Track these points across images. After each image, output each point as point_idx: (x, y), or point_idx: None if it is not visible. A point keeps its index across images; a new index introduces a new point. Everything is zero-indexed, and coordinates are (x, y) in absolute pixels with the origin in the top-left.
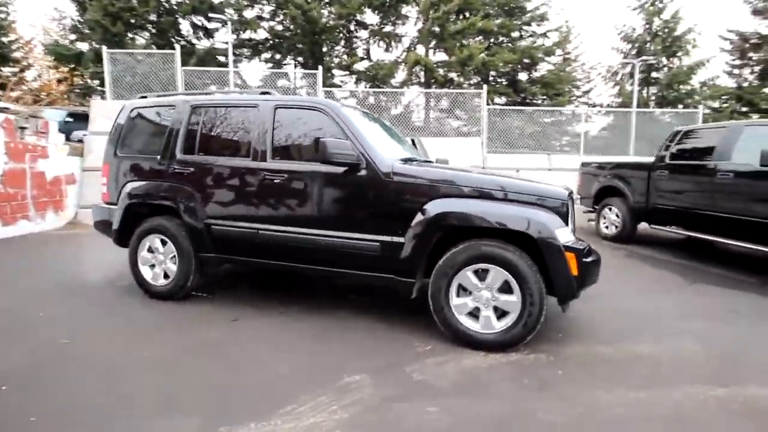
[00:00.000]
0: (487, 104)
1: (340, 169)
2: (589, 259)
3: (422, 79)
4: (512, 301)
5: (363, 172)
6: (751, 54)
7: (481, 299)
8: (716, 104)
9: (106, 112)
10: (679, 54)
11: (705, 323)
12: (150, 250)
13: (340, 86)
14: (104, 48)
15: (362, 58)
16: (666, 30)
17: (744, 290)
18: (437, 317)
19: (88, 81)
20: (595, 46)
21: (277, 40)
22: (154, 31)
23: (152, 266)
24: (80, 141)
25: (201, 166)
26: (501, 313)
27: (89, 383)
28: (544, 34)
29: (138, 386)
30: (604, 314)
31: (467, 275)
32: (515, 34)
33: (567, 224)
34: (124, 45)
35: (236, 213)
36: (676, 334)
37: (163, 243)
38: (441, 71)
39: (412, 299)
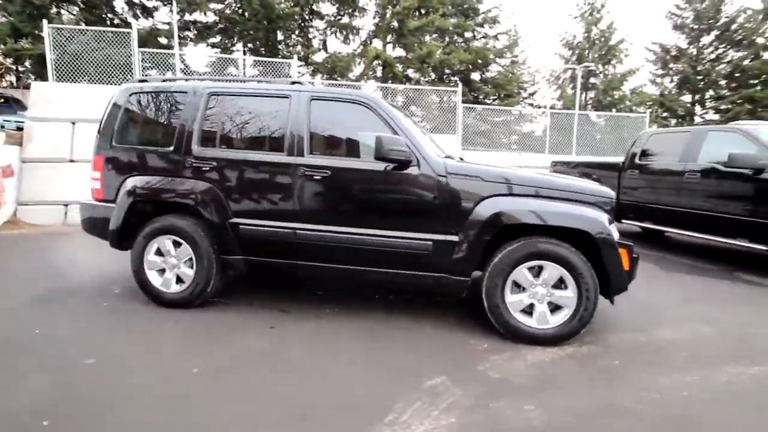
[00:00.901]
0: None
1: (388, 166)
2: (635, 255)
3: (378, 74)
4: (567, 296)
5: (415, 170)
6: (671, 65)
7: (536, 295)
8: (642, 110)
9: (49, 96)
10: (613, 62)
11: (703, 307)
12: (159, 253)
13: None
14: (45, 23)
15: (319, 49)
16: (602, 39)
17: (713, 277)
18: (492, 314)
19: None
20: (540, 51)
21: (228, 25)
22: (83, 5)
23: (161, 271)
24: (19, 129)
25: (225, 160)
26: (553, 308)
27: (147, 411)
28: (495, 37)
29: (210, 409)
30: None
31: (523, 272)
32: (468, 35)
33: (613, 222)
34: (49, 20)
35: (269, 211)
36: (687, 319)
37: (176, 245)
38: (399, 67)
39: (440, 298)
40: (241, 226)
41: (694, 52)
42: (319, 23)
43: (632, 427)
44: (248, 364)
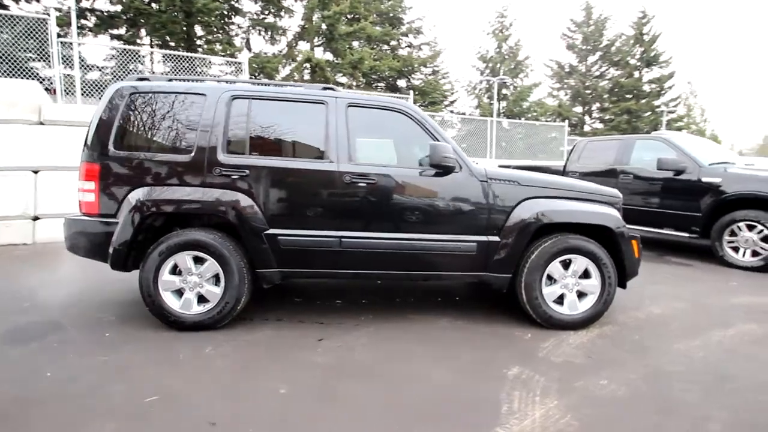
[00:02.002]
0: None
1: (428, 171)
2: (641, 245)
3: (305, 77)
4: (593, 284)
5: (459, 176)
6: (566, 80)
7: (567, 286)
8: (543, 119)
9: None
10: (521, 76)
11: (665, 287)
12: (176, 271)
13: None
14: None
15: (241, 48)
16: (511, 54)
17: (653, 262)
18: (530, 306)
19: None
20: (459, 63)
21: (135, 16)
22: None
23: (177, 292)
24: None
25: (260, 168)
26: (579, 296)
27: None
28: (419, 47)
29: (336, 427)
30: None
31: (556, 266)
32: (394, 44)
33: None
34: None
35: (312, 220)
36: (660, 297)
37: (197, 261)
38: (328, 71)
39: (458, 298)
40: (280, 237)
41: (583, 69)
42: (241, 20)
43: (688, 385)
44: (331, 378)
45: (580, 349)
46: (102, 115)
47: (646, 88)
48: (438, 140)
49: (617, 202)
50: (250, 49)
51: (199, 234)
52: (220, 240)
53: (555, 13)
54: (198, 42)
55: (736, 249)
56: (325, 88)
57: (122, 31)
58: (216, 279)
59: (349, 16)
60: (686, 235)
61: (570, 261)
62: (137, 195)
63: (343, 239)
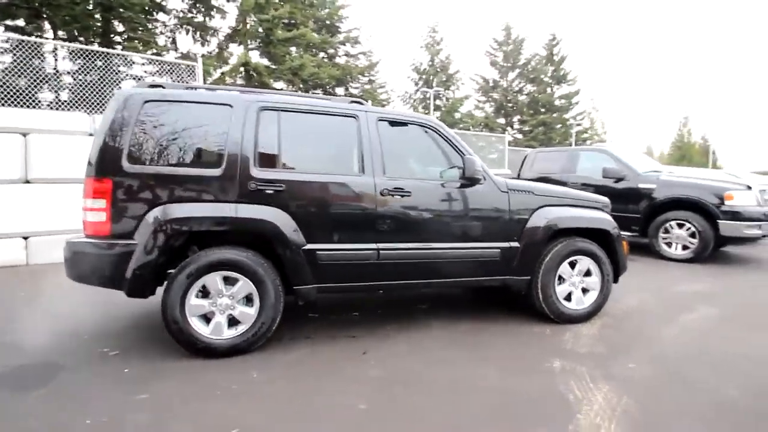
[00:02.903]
0: None
1: (458, 183)
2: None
3: (239, 81)
4: (594, 281)
5: (484, 187)
6: (490, 93)
7: (574, 284)
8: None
9: None
10: (452, 88)
11: (628, 280)
12: (203, 294)
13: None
14: None
15: (167, 47)
16: (443, 67)
17: None
18: (545, 304)
19: None
20: (394, 74)
21: (41, 6)
22: None
23: (203, 317)
24: None
25: (296, 183)
26: (583, 292)
27: None
28: (356, 56)
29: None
30: None
31: (565, 266)
32: (331, 52)
33: None
34: None
35: (350, 234)
36: (628, 289)
37: (226, 282)
38: (266, 76)
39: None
40: (318, 252)
41: (505, 85)
42: (166, 18)
43: (694, 363)
44: (398, 389)
45: (594, 340)
46: (111, 126)
47: (557, 103)
48: (465, 154)
49: (608, 207)
50: (176, 49)
51: (230, 253)
52: (253, 258)
53: (480, 32)
54: (117, 39)
55: (669, 244)
56: (352, 102)
57: (21, 22)
58: (246, 299)
59: (285, 21)
60: (628, 234)
61: (576, 261)
62: (161, 213)
63: (381, 251)
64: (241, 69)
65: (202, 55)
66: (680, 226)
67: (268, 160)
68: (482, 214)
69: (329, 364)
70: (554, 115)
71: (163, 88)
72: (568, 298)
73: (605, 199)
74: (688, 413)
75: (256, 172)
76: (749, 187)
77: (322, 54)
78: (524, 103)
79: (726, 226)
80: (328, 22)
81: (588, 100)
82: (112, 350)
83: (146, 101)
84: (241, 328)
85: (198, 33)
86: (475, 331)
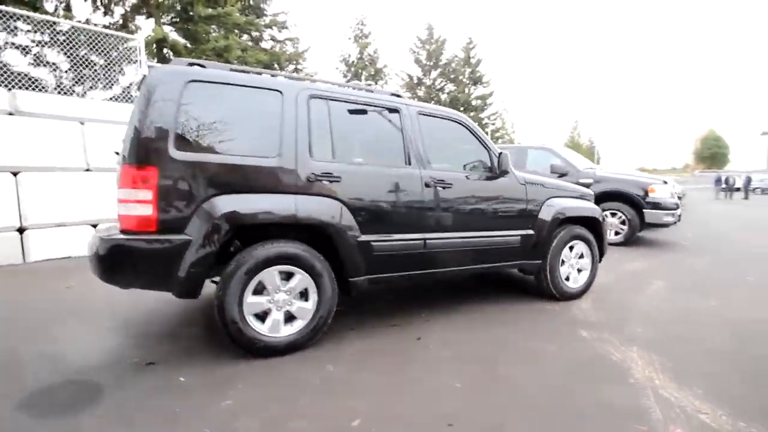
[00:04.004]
0: None
1: (485, 175)
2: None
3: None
4: (586, 262)
5: (508, 180)
6: (416, 90)
7: (572, 265)
8: None
9: None
10: (381, 83)
11: None
12: (260, 291)
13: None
14: None
15: (55, 13)
16: (371, 61)
17: None
18: (552, 284)
19: None
20: (323, 64)
21: None
22: None
23: (257, 316)
24: None
25: (351, 174)
26: (578, 272)
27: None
28: (283, 42)
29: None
30: None
31: (566, 250)
32: (256, 35)
33: None
34: None
35: (400, 224)
36: None
37: (284, 277)
38: (184, 56)
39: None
40: (373, 243)
41: (428, 83)
42: None
43: (679, 319)
44: (477, 367)
45: (596, 312)
46: (151, 108)
47: (474, 103)
48: (490, 149)
49: (592, 198)
50: (70, 16)
51: (288, 246)
52: (310, 251)
53: (405, 29)
54: None
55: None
56: (392, 94)
57: None
58: (302, 294)
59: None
60: None
61: (573, 246)
62: (220, 204)
63: (427, 240)
64: (154, 46)
65: (105, 26)
66: (613, 215)
67: (321, 150)
68: (507, 204)
69: (395, 351)
70: (472, 114)
71: (204, 67)
72: (567, 278)
73: (590, 191)
74: (702, 357)
75: (312, 162)
76: (665, 182)
77: (245, 36)
78: (446, 101)
79: (650, 215)
80: (252, 2)
81: (500, 102)
82: (144, 360)
83: (190, 81)
84: (297, 324)
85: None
86: (500, 311)
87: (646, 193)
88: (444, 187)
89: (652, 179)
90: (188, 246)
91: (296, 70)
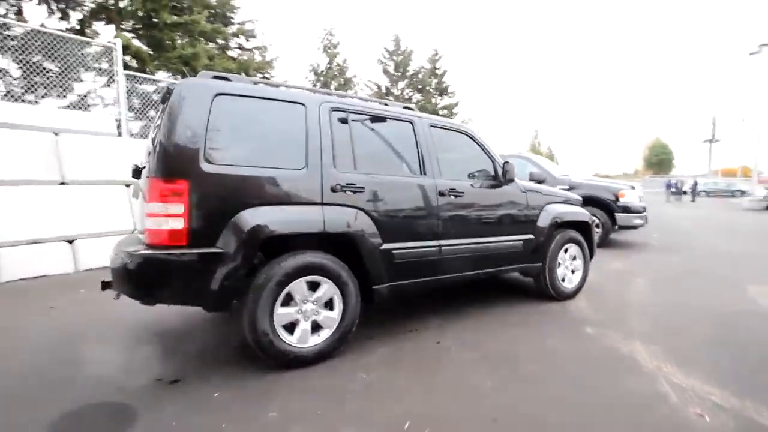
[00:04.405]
0: None
1: (488, 183)
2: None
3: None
4: (579, 263)
5: (512, 188)
6: (383, 100)
7: (568, 267)
8: None
9: None
10: (350, 92)
11: None
12: (287, 302)
13: None
14: None
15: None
16: (340, 71)
17: None
18: (551, 285)
19: None
20: (292, 73)
21: None
22: None
23: (286, 327)
24: None
25: (373, 184)
26: (572, 272)
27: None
28: (251, 50)
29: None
30: None
31: (562, 253)
32: (222, 43)
33: None
34: None
35: (417, 233)
36: None
37: (309, 287)
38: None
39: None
40: (393, 251)
41: (396, 93)
42: None
43: (668, 311)
44: (504, 365)
45: (593, 310)
46: (180, 121)
47: (441, 113)
48: (495, 158)
49: (581, 203)
50: (22, 20)
51: (317, 256)
52: (335, 260)
53: (374, 40)
54: None
55: None
56: (405, 107)
57: None
58: (327, 304)
59: (173, 4)
60: None
61: (568, 248)
62: (252, 216)
63: (442, 247)
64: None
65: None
66: None
67: (344, 162)
68: (512, 211)
69: (419, 356)
70: None
71: (229, 80)
72: (563, 279)
73: (578, 197)
74: (697, 346)
75: (336, 173)
76: (633, 188)
77: (212, 45)
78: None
79: (621, 218)
80: (219, 10)
81: (465, 112)
82: (168, 378)
83: (217, 94)
84: (324, 334)
85: (56, 4)
86: (506, 313)
87: (617, 198)
88: (456, 196)
89: (622, 185)
90: (221, 259)
91: (265, 78)
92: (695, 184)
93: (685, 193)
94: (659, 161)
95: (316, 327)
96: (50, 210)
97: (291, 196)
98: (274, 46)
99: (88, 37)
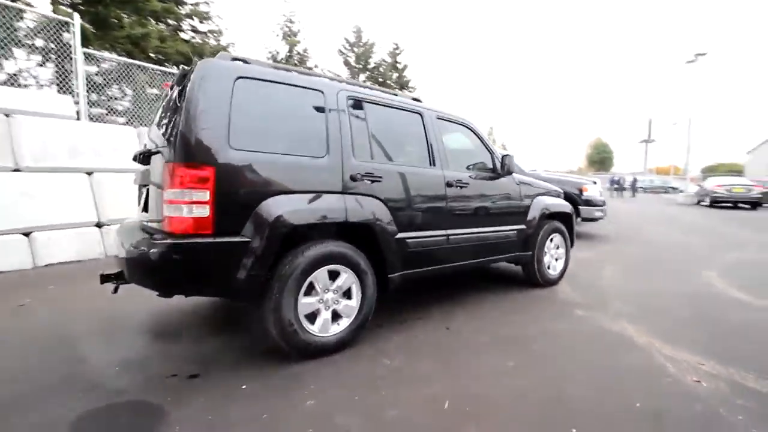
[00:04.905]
0: None
1: (487, 175)
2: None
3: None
4: (562, 252)
5: (509, 179)
6: None
7: (552, 255)
8: None
9: None
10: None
11: None
12: (309, 291)
13: None
14: None
15: None
16: (301, 60)
17: None
18: (539, 272)
19: None
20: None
21: None
22: None
23: (308, 316)
24: None
25: (390, 174)
26: (555, 260)
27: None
28: (206, 33)
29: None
30: None
31: (547, 243)
32: (174, 23)
33: None
34: None
35: (428, 222)
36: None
37: (330, 276)
38: (92, 41)
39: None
40: (408, 240)
41: None
42: None
43: (644, 295)
44: (516, 348)
45: (578, 294)
46: (204, 104)
47: None
48: (493, 151)
49: (562, 195)
50: None
51: (338, 245)
52: (354, 249)
53: (335, 29)
54: None
55: None
56: (414, 99)
57: None
58: (346, 293)
59: None
60: None
61: (553, 238)
62: (279, 204)
63: (449, 236)
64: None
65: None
66: None
67: (361, 151)
68: (509, 202)
69: (434, 341)
70: None
71: (248, 63)
72: (548, 266)
73: (559, 190)
74: (677, 324)
75: (355, 162)
76: (595, 182)
77: (162, 25)
78: None
79: (585, 210)
80: None
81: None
82: (185, 373)
83: (239, 77)
84: (343, 323)
85: None
86: (503, 300)
87: (581, 192)
88: (461, 187)
89: (585, 180)
90: (247, 247)
91: None
92: (635, 180)
93: (625, 189)
94: (601, 159)
95: (335, 316)
96: (2, 199)
97: (314, 184)
98: (230, 30)
99: (19, 11)
